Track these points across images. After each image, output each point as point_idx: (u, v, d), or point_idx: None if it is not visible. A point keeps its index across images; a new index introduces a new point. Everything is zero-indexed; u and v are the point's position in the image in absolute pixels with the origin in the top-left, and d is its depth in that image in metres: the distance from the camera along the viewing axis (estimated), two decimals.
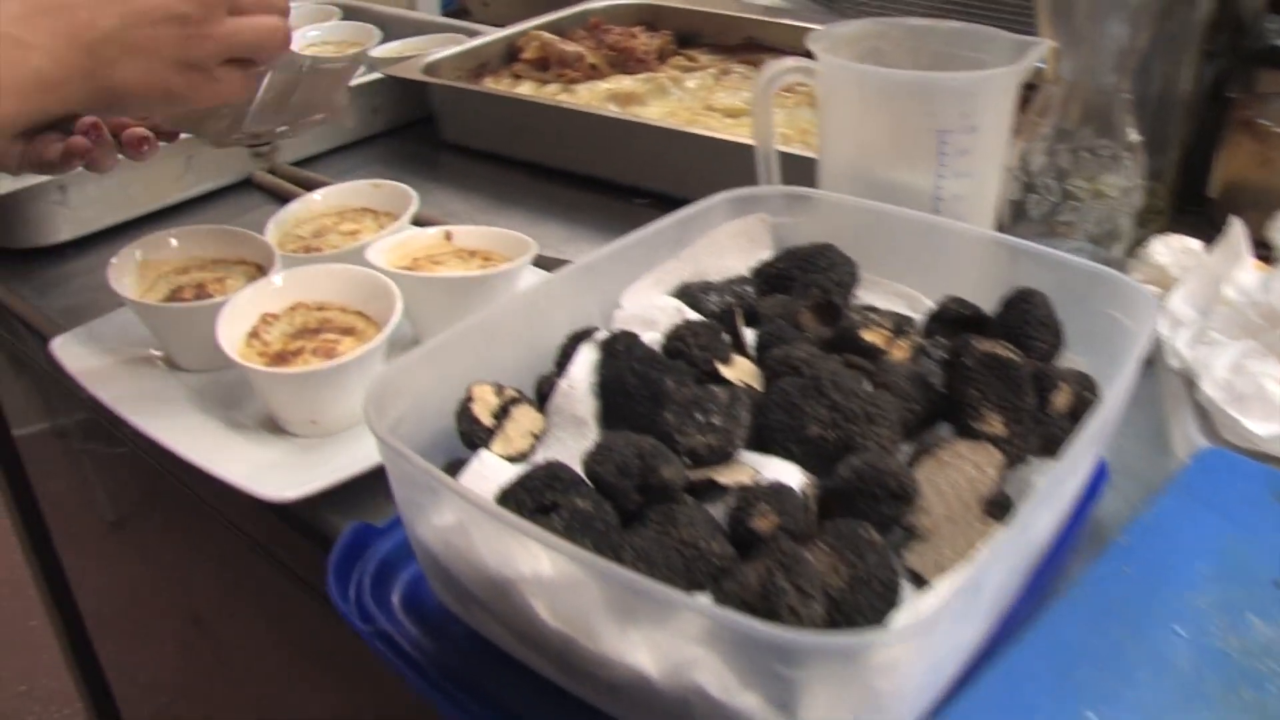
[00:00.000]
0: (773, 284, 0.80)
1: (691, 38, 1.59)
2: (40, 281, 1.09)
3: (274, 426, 0.80)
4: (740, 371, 0.68)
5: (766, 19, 1.54)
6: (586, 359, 0.67)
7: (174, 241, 0.94)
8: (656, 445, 0.59)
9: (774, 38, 1.52)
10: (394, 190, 1.00)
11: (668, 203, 1.15)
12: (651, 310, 0.73)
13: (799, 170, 0.95)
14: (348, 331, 0.82)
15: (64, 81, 0.69)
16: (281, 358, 0.78)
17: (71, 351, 0.88)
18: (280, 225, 0.96)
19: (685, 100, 1.37)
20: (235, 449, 0.78)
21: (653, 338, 0.71)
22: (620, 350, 0.67)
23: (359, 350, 0.75)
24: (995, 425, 0.63)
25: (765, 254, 0.84)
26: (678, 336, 0.69)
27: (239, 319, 0.81)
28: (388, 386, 0.60)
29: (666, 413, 0.61)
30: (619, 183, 1.23)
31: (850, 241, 0.80)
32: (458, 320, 0.83)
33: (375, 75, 1.39)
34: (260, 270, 0.91)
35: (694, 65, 1.50)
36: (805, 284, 0.77)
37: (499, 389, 0.66)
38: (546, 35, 1.48)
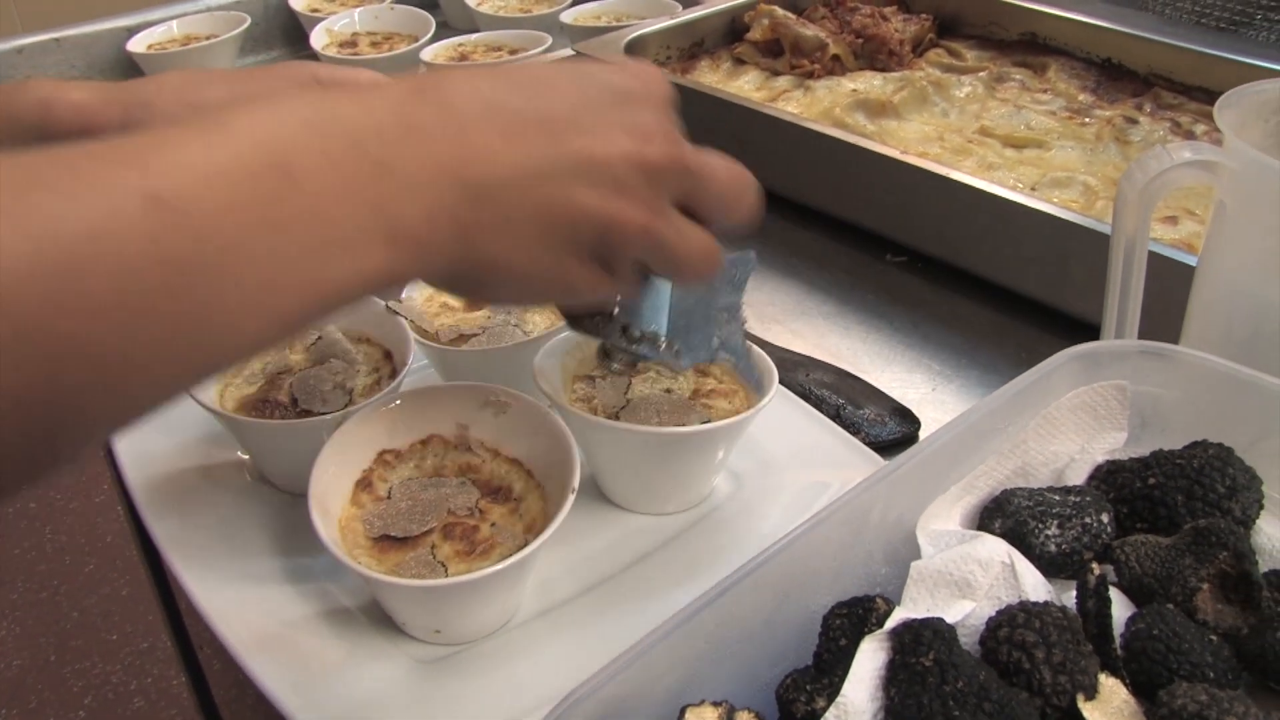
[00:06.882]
0: (1136, 506, 0.53)
1: (954, 25, 1.29)
2: None
3: (381, 614, 0.56)
4: (1108, 710, 0.43)
5: (1053, 11, 1.22)
6: (868, 667, 0.42)
7: None
8: None
9: (1062, 36, 1.21)
10: None
11: (926, 263, 0.90)
12: (968, 563, 0.47)
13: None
14: (497, 494, 0.58)
15: (428, 239, 0.42)
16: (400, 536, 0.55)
17: (136, 450, 0.66)
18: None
19: (952, 117, 1.08)
20: (312, 640, 0.56)
21: (970, 617, 0.45)
22: (926, 666, 0.41)
23: (512, 559, 0.51)
24: None
25: (1115, 438, 0.57)
26: (1015, 640, 0.43)
27: (346, 459, 0.58)
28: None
29: None
30: (866, 227, 0.96)
31: (1240, 429, 0.53)
32: (658, 478, 0.60)
33: (565, 52, 1.14)
34: (388, 359, 0.67)
35: (958, 65, 1.21)
36: (1195, 522, 0.50)
37: (728, 713, 0.41)
38: (780, 12, 1.21)
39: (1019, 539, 0.50)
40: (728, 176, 0.50)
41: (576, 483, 0.54)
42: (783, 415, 0.67)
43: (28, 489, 0.35)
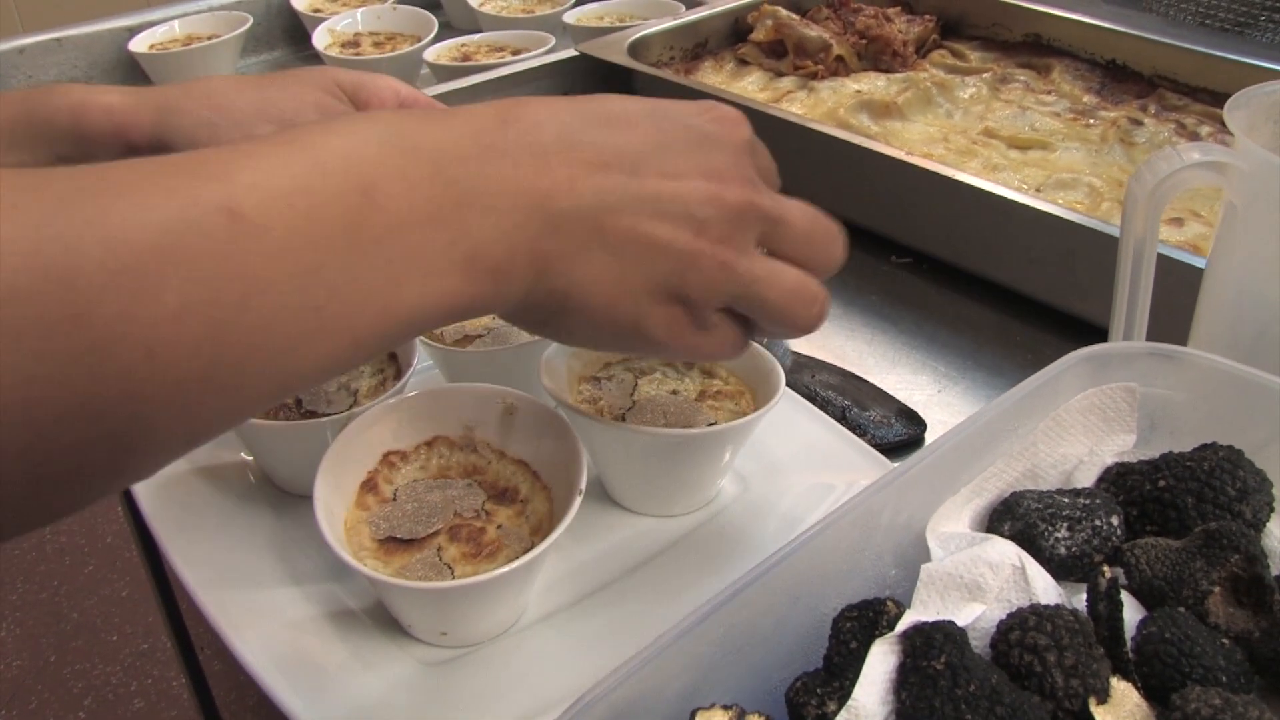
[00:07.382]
0: (1146, 509, 0.53)
1: (958, 26, 1.29)
2: None
3: (386, 616, 0.56)
4: (1121, 714, 0.42)
5: (1057, 12, 1.22)
6: (879, 670, 0.42)
7: None
8: None
9: (1066, 37, 1.21)
10: None
11: (931, 265, 0.90)
12: (978, 565, 0.47)
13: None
14: (504, 496, 0.58)
15: (505, 267, 0.41)
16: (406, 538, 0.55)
17: None
18: None
19: (956, 118, 1.08)
20: (316, 642, 0.55)
21: (981, 620, 0.45)
22: (937, 669, 0.41)
23: (519, 561, 0.51)
24: None
25: (1124, 440, 0.57)
26: (1026, 643, 0.43)
27: (351, 461, 0.57)
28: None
29: None
30: (870, 229, 0.95)
31: (1250, 431, 0.53)
32: (665, 480, 0.60)
33: (568, 53, 1.13)
34: (393, 360, 0.67)
35: (962, 66, 1.21)
36: (1206, 525, 0.50)
37: (738, 716, 0.41)
38: (784, 13, 1.20)
39: (1029, 541, 0.50)
40: (808, 222, 0.48)
41: (583, 484, 0.54)
42: (788, 417, 0.67)
43: (89, 507, 0.34)
